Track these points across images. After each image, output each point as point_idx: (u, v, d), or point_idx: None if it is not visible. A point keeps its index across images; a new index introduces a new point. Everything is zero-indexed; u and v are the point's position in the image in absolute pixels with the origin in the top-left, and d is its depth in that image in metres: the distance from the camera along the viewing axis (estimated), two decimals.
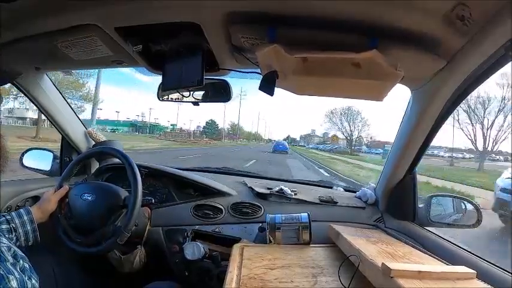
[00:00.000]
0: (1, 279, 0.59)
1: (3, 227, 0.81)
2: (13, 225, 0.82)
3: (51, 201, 0.94)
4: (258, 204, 1.17)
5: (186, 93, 1.00)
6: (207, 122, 57.62)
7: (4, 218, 0.82)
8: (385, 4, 0.59)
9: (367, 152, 30.51)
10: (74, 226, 0.96)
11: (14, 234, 0.82)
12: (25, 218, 0.85)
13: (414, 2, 0.58)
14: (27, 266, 0.69)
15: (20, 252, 0.70)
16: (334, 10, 0.63)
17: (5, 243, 0.67)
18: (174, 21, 0.73)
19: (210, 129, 55.21)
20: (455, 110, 0.87)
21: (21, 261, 0.68)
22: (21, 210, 0.87)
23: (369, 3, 0.60)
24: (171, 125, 53.55)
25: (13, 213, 0.85)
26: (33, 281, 0.68)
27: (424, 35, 0.65)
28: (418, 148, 0.99)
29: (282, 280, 0.70)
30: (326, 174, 10.68)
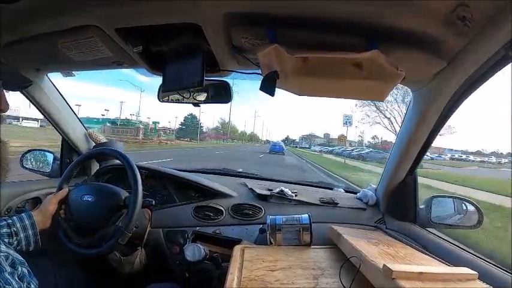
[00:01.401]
0: None
1: (4, 230, 0.80)
2: (14, 229, 0.82)
3: (51, 203, 0.94)
4: (259, 206, 1.17)
5: (186, 94, 1.00)
6: (185, 118, 45.23)
7: (5, 222, 0.82)
8: (386, 5, 0.59)
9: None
10: (74, 228, 0.96)
11: (14, 238, 0.81)
12: (26, 222, 0.85)
13: (415, 3, 0.58)
14: (26, 272, 0.69)
15: (18, 258, 0.70)
16: (335, 11, 0.63)
17: (3, 252, 0.67)
18: (174, 22, 0.73)
19: (190, 126, 44.51)
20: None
21: (19, 268, 0.68)
22: (23, 214, 0.87)
23: (369, 4, 0.59)
24: (153, 122, 45.74)
25: (14, 218, 0.84)
26: (32, 286, 0.68)
27: (425, 36, 0.65)
28: (419, 149, 0.99)
29: (283, 282, 0.70)
30: None
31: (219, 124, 62.40)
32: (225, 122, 60.49)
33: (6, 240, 0.78)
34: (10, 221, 0.83)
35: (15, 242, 0.81)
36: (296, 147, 59.19)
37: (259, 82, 0.75)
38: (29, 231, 0.84)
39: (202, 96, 1.03)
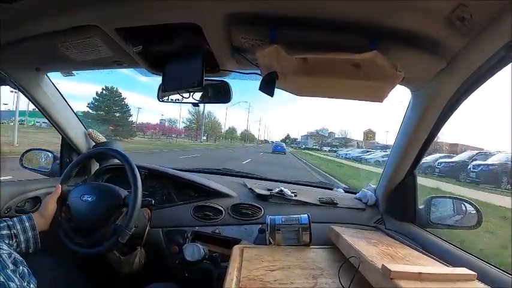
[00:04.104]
0: (1, 287, 0.59)
1: (4, 232, 0.80)
2: (14, 231, 0.82)
3: (50, 204, 0.94)
4: (258, 206, 1.17)
5: (186, 94, 1.00)
6: (100, 95, 25.06)
7: (5, 224, 0.82)
8: (386, 5, 0.59)
9: None
10: (74, 228, 0.96)
11: (14, 240, 0.81)
12: (27, 224, 0.85)
13: (415, 3, 0.58)
14: (26, 271, 0.69)
15: (18, 257, 0.70)
16: (335, 11, 0.63)
17: (5, 250, 0.67)
18: (174, 22, 0.73)
19: (112, 113, 25.18)
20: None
21: (20, 267, 0.68)
22: (23, 216, 0.87)
23: (369, 5, 0.60)
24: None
25: (15, 219, 0.84)
26: (32, 285, 0.68)
27: (424, 36, 0.65)
28: (418, 149, 0.99)
29: (282, 281, 0.70)
30: None
31: (191, 116, 42.62)
32: (200, 114, 40.59)
33: (6, 241, 0.78)
34: (10, 222, 0.83)
35: (15, 244, 0.81)
36: (300, 147, 49.45)
37: (258, 82, 0.75)
38: (29, 233, 0.84)
39: (201, 96, 1.03)
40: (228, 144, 42.38)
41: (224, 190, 1.24)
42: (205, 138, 43.14)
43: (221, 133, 50.58)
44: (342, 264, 0.76)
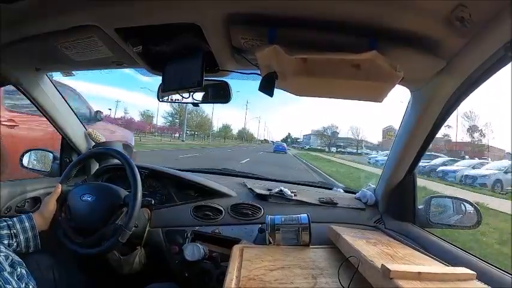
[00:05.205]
0: None
1: (4, 232, 0.80)
2: (14, 231, 0.82)
3: (50, 204, 0.94)
4: (258, 206, 1.17)
5: (185, 94, 1.00)
6: None
7: (5, 223, 0.82)
8: (385, 5, 0.59)
9: None
10: (74, 228, 0.96)
11: (14, 240, 0.82)
12: (26, 224, 0.85)
13: (414, 3, 0.58)
14: (24, 272, 0.69)
15: (17, 258, 0.70)
16: (335, 11, 0.63)
17: (3, 252, 0.67)
18: (174, 23, 0.73)
19: None
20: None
21: (18, 269, 0.68)
22: (23, 216, 0.87)
23: (369, 4, 0.60)
24: None
25: (14, 219, 0.85)
26: (31, 286, 0.68)
27: (423, 36, 0.65)
28: (417, 149, 0.99)
29: (281, 281, 0.70)
30: None
31: (173, 109, 38.03)
32: (183, 108, 35.69)
33: (5, 241, 0.78)
34: (10, 222, 0.83)
35: (15, 244, 0.81)
36: (302, 147, 45.42)
37: (258, 82, 0.75)
38: (28, 233, 0.84)
39: (201, 96, 1.03)
40: (218, 144, 37.78)
41: (224, 190, 1.24)
42: (190, 135, 37.16)
43: (209, 131, 43.90)
44: (342, 264, 0.76)
